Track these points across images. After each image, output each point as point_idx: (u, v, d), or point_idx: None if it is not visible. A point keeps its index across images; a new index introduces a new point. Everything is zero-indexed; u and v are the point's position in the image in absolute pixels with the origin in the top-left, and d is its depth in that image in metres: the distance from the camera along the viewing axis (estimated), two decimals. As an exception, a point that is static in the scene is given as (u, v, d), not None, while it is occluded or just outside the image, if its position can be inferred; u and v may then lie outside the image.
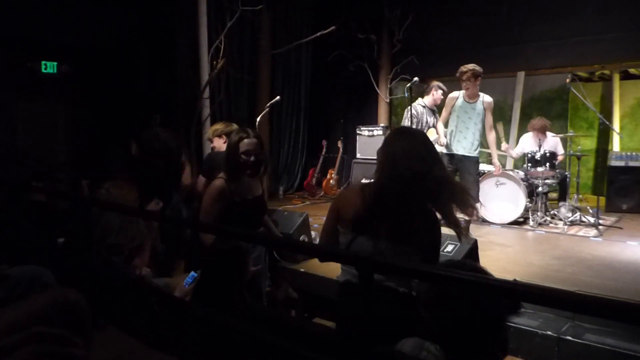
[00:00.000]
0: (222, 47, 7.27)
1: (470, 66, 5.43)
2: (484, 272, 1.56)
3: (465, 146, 5.53)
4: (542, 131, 6.83)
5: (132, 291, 2.18)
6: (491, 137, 5.67)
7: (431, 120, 6.09)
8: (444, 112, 5.73)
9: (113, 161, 4.19)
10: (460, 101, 5.56)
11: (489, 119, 5.57)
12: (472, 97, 5.53)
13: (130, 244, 2.66)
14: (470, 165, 5.52)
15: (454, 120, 5.60)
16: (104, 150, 4.54)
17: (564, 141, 6.95)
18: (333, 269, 2.54)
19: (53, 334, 1.04)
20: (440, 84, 6.15)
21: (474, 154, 5.52)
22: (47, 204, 3.61)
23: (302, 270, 4.46)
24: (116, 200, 2.78)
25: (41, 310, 1.10)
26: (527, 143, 7.01)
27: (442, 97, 6.06)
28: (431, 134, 6.05)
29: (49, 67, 6.92)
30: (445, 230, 2.33)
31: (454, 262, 1.62)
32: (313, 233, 5.17)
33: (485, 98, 5.56)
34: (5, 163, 5.80)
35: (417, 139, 2.31)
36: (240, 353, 1.64)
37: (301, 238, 4.78)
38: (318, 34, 8.25)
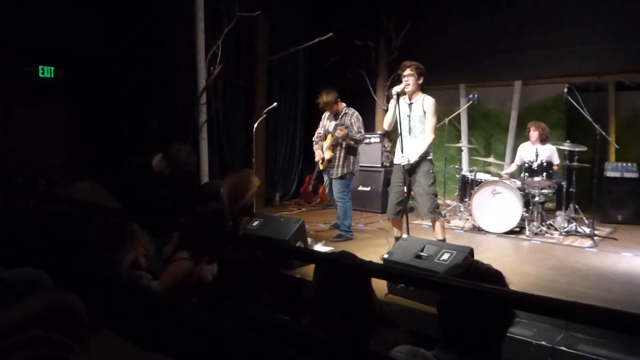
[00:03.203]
0: (219, 53, 7.29)
1: (415, 62, 5.15)
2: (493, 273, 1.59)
3: (412, 150, 5.13)
4: (542, 139, 6.89)
5: (127, 293, 2.17)
6: (428, 138, 5.14)
7: (330, 125, 6.62)
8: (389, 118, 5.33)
9: (134, 172, 4.31)
10: (401, 105, 5.18)
11: (429, 121, 5.12)
12: (412, 96, 5.18)
13: (127, 248, 2.66)
14: (421, 171, 5.13)
15: (399, 126, 5.24)
16: (119, 160, 4.51)
17: (560, 151, 6.98)
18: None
19: (50, 338, 1.04)
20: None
21: (424, 155, 5.13)
22: (45, 206, 3.60)
23: (297, 276, 4.47)
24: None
25: (38, 313, 1.09)
26: (526, 152, 7.02)
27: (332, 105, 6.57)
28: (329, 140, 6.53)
29: (47, 71, 6.91)
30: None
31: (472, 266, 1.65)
32: (309, 239, 5.18)
33: (426, 99, 5.15)
34: (2, 167, 5.79)
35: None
36: (237, 356, 1.64)
37: (297, 244, 4.79)
38: (315, 40, 8.28)
